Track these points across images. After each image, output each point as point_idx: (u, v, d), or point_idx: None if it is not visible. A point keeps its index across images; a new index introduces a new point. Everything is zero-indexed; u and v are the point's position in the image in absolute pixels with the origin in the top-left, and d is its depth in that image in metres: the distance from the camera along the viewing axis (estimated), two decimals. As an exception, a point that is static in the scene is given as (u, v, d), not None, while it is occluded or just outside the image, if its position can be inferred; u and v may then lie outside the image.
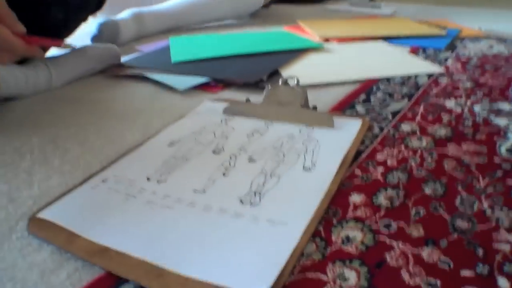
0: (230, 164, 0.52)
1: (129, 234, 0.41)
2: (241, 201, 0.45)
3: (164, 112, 0.70)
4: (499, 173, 0.52)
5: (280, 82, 0.68)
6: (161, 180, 0.49)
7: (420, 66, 0.90)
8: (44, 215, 0.44)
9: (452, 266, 0.38)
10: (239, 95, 0.76)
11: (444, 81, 0.84)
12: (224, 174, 0.50)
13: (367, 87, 0.80)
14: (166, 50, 0.99)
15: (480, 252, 0.40)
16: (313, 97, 0.70)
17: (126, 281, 0.37)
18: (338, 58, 0.97)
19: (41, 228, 0.43)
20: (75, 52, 0.83)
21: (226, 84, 0.81)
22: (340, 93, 0.77)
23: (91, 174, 0.52)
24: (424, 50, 1.06)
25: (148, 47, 1.07)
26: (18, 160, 0.57)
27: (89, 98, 0.77)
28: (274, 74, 0.84)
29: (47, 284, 0.38)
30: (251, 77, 0.80)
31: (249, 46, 0.99)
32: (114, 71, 0.88)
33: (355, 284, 0.36)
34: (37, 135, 0.63)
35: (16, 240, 0.43)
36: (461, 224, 0.43)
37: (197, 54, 0.93)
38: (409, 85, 0.82)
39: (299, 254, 0.39)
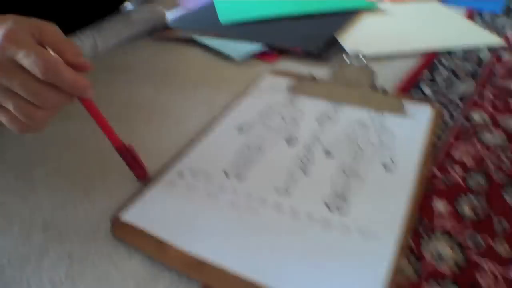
0: (307, 159, 0.52)
1: (222, 244, 0.42)
2: (328, 207, 0.46)
3: (224, 84, 0.70)
4: None
5: (347, 61, 0.66)
6: (239, 175, 0.50)
7: (480, 37, 0.88)
8: (127, 217, 0.45)
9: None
10: (298, 66, 0.75)
11: (506, 56, 0.81)
12: (303, 171, 0.51)
13: (429, 61, 0.78)
14: (211, 7, 0.95)
15: None
16: (375, 70, 0.68)
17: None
18: (393, 23, 0.93)
19: (127, 233, 0.44)
20: (119, 16, 0.80)
21: (282, 51, 0.78)
22: (401, 68, 0.75)
23: (164, 165, 0.51)
24: (480, 14, 1.02)
25: (190, 1, 1.02)
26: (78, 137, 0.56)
27: (139, 66, 0.76)
28: (332, 41, 0.82)
29: None
30: (309, 44, 0.77)
31: (300, 5, 0.95)
32: (161, 34, 0.85)
33: (454, 310, 0.38)
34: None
35: (102, 244, 0.44)
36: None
37: (246, 14, 0.89)
38: (472, 60, 0.79)
39: (396, 272, 0.40)
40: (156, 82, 0.71)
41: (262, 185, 0.48)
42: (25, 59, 0.36)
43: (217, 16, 0.90)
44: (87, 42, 0.78)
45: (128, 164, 0.49)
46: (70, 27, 0.72)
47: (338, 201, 0.46)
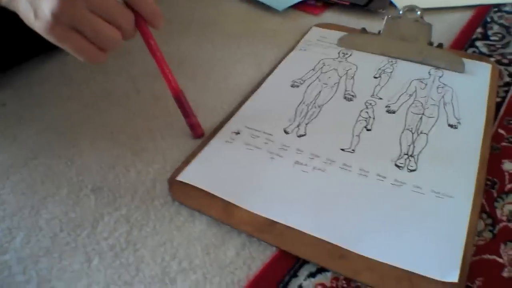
0: (369, 115, 0.52)
1: (291, 205, 0.42)
2: (397, 166, 0.45)
3: (269, 37, 0.68)
4: None
5: (401, 13, 0.64)
6: (300, 132, 0.49)
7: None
8: (185, 177, 0.44)
9: None
10: (345, 19, 0.73)
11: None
12: (367, 128, 0.50)
13: (481, 16, 0.76)
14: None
15: None
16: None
17: (305, 262, 0.39)
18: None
19: (187, 195, 0.44)
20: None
21: (327, 3, 0.76)
22: (453, 23, 0.74)
23: (217, 125, 0.51)
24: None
25: None
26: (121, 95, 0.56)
27: (175, 17, 0.74)
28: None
29: (217, 262, 0.39)
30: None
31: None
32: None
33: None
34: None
35: (161, 208, 0.44)
36: None
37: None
38: (525, 16, 0.77)
39: (473, 233, 0.40)
40: (196, 35, 0.69)
41: (326, 144, 0.48)
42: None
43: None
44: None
45: (183, 113, 0.48)
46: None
47: (407, 160, 0.46)
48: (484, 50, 0.68)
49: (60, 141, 0.51)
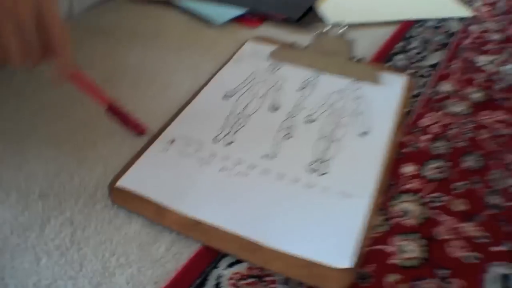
0: (291, 124, 0.60)
1: (216, 205, 0.50)
2: (310, 170, 0.54)
3: (207, 50, 0.75)
4: (529, 149, 0.61)
5: (327, 30, 0.73)
6: (228, 142, 0.57)
7: (451, 7, 0.96)
8: (123, 183, 0.51)
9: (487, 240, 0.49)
10: (279, 32, 0.81)
11: (474, 29, 0.90)
12: (287, 137, 0.58)
13: (403, 31, 0.86)
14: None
15: (507, 228, 0.51)
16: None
17: (224, 255, 0.46)
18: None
19: (124, 199, 0.50)
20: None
21: (263, 17, 0.84)
22: (377, 37, 0.83)
23: (155, 133, 0.58)
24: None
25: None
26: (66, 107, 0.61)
27: (118, 29, 0.81)
28: (313, 8, 0.88)
29: (150, 256, 0.46)
30: (290, 11, 0.83)
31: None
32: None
33: (415, 256, 0.47)
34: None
35: (102, 211, 0.51)
36: (494, 199, 0.54)
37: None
38: (441, 31, 0.88)
39: (370, 227, 0.49)
40: (137, 46, 0.76)
41: (250, 151, 0.56)
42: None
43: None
44: (63, 1, 0.81)
45: (122, 121, 0.56)
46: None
47: (318, 165, 0.54)
48: (402, 63, 0.77)
49: (8, 150, 0.57)
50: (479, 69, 0.77)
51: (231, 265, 0.46)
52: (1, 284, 0.44)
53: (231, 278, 0.45)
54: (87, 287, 0.44)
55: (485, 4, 1.01)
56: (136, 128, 0.57)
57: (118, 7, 0.87)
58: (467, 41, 0.85)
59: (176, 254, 0.47)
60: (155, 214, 0.49)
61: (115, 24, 0.81)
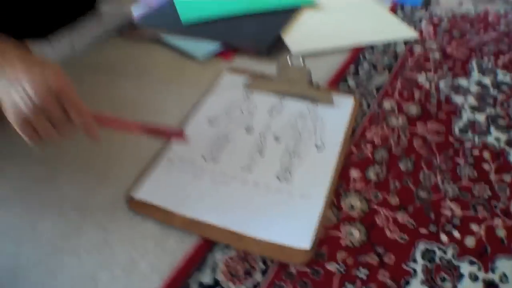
0: (261, 143, 0.79)
1: (208, 207, 0.68)
2: (278, 178, 0.73)
3: (191, 82, 0.94)
4: (450, 152, 0.82)
5: (289, 61, 0.92)
6: (215, 159, 0.76)
7: (398, 31, 1.16)
8: (138, 195, 0.69)
9: (415, 225, 0.69)
10: (251, 63, 1.00)
11: (418, 49, 1.11)
12: (259, 153, 0.78)
13: (355, 56, 1.06)
14: (172, 5, 1.18)
15: (432, 215, 0.71)
16: (311, 66, 0.95)
17: (218, 243, 0.65)
18: (328, 19, 1.20)
19: (140, 207, 0.68)
20: (91, 16, 1.01)
21: (237, 49, 1.04)
22: (333, 63, 1.02)
23: (155, 155, 0.76)
24: (402, 7, 1.31)
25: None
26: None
27: (115, 65, 0.98)
28: (279, 39, 1.08)
29: (164, 248, 0.65)
30: (259, 44, 1.03)
31: (248, 3, 1.19)
32: (129, 33, 1.07)
33: (358, 239, 0.67)
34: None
35: (123, 217, 0.69)
36: (422, 194, 0.74)
37: (204, 13, 1.13)
38: (389, 54, 1.08)
39: (324, 218, 0.68)
40: (133, 80, 0.93)
41: (231, 166, 0.74)
42: (70, 102, 0.60)
43: (178, 14, 1.14)
44: (65, 42, 1.00)
45: (162, 136, 0.73)
46: (46, 29, 0.93)
47: (285, 174, 0.74)
48: (353, 84, 0.98)
49: (40, 172, 0.74)
50: (418, 86, 0.97)
51: (223, 250, 0.65)
52: (52, 277, 0.61)
53: (224, 260, 0.64)
54: (120, 274, 0.62)
55: (430, 24, 1.22)
56: (177, 136, 0.74)
57: (114, 44, 1.05)
58: (410, 61, 1.06)
59: (183, 245, 0.65)
60: (164, 217, 0.67)
61: (112, 60, 1.00)
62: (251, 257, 0.64)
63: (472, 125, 0.87)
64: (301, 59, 0.92)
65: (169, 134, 0.74)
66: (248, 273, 0.62)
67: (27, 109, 0.58)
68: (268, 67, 0.97)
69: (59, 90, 0.59)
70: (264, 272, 0.62)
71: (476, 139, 0.84)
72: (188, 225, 0.66)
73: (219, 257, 0.64)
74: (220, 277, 0.61)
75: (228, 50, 1.03)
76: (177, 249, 0.65)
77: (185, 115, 0.85)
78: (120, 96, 0.89)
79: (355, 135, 0.83)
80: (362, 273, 0.62)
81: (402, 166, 0.78)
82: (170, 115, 0.85)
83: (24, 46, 0.62)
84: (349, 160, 0.78)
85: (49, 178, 0.74)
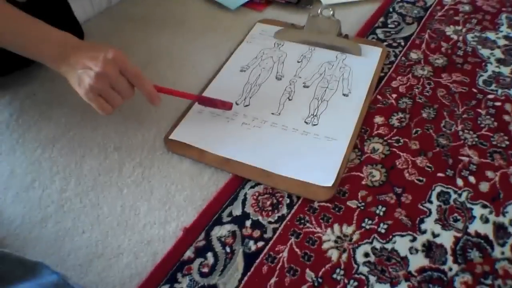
0: (291, 89, 0.84)
1: (240, 148, 0.73)
2: (306, 122, 0.78)
3: (225, 32, 0.98)
4: (473, 102, 0.85)
5: (319, 12, 0.95)
6: (246, 103, 0.81)
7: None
8: (173, 136, 0.75)
9: (433, 169, 0.74)
10: (283, 13, 1.04)
11: (448, 1, 1.12)
12: (289, 99, 0.82)
13: (385, 7, 1.08)
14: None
15: (450, 161, 0.75)
16: (341, 17, 0.97)
17: (248, 180, 0.71)
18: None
19: (176, 147, 0.74)
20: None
21: (269, 1, 1.07)
22: (362, 14, 1.04)
23: (192, 102, 0.81)
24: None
25: None
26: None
27: (150, 16, 1.03)
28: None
29: (198, 184, 0.71)
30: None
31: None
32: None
33: (379, 179, 0.72)
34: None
35: (161, 156, 0.75)
36: (442, 141, 0.78)
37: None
38: (419, 5, 1.09)
39: (347, 160, 0.73)
40: (169, 32, 0.98)
41: (262, 110, 0.80)
42: (128, 72, 0.67)
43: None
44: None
45: (212, 105, 0.78)
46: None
47: (312, 119, 0.79)
48: (381, 36, 1.00)
49: (84, 118, 0.81)
50: (446, 38, 0.99)
51: (253, 186, 0.71)
52: (97, 208, 0.68)
53: (253, 195, 0.70)
54: (157, 205, 0.69)
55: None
56: (225, 106, 0.77)
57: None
58: (440, 13, 1.07)
59: (216, 181, 0.71)
60: (199, 156, 0.73)
61: (147, 12, 1.04)
62: (279, 193, 0.69)
63: (496, 77, 0.89)
64: (331, 9, 0.95)
65: (220, 104, 0.78)
66: (275, 207, 0.68)
67: (97, 83, 0.65)
68: (298, 18, 1.00)
69: (121, 65, 0.66)
70: (289, 206, 0.68)
71: (499, 91, 0.86)
72: (221, 163, 0.72)
73: (249, 192, 0.70)
74: (250, 210, 0.68)
75: (259, 1, 1.06)
76: (210, 184, 0.71)
77: (219, 64, 0.90)
78: (156, 47, 0.94)
79: (381, 84, 0.86)
80: (380, 210, 0.67)
81: (424, 114, 0.81)
82: (205, 65, 0.90)
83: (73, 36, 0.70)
84: (374, 107, 0.82)
85: (92, 122, 0.80)
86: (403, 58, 0.93)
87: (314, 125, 0.76)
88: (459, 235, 0.65)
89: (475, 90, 0.86)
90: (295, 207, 0.68)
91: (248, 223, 0.66)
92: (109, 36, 0.96)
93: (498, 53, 0.94)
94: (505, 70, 0.90)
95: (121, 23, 0.99)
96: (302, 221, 0.66)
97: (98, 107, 0.68)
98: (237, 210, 0.67)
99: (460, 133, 0.78)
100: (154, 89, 0.70)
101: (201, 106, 0.79)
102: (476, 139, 0.77)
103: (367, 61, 0.89)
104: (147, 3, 1.06)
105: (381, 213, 0.67)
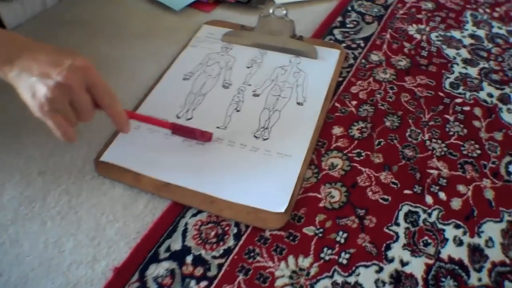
0: (240, 98, 0.74)
1: (180, 170, 0.63)
2: (255, 137, 0.68)
3: (168, 36, 0.87)
4: (440, 107, 0.77)
5: (271, 11, 0.86)
6: (188, 117, 0.71)
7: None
8: (105, 158, 0.64)
9: (399, 185, 0.65)
10: (232, 15, 0.94)
11: (409, -1, 1.03)
12: (237, 110, 0.72)
13: (343, 6, 0.99)
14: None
15: (418, 175, 0.66)
16: (295, 17, 0.87)
17: (189, 207, 0.61)
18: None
19: (108, 170, 0.64)
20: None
21: (217, 1, 0.97)
22: (318, 14, 0.96)
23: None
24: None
25: None
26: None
27: (89, 19, 0.92)
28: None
29: (132, 213, 0.61)
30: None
31: None
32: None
33: (339, 200, 0.62)
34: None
35: (91, 181, 0.64)
36: (408, 152, 0.69)
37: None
38: (380, 2, 1.01)
39: (302, 179, 0.64)
40: (107, 35, 0.87)
41: (206, 124, 0.69)
42: (99, 89, 0.54)
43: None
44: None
45: (188, 136, 0.67)
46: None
47: (263, 132, 0.69)
48: (339, 37, 0.91)
49: (7, 139, 0.69)
50: (408, 38, 0.91)
51: (195, 215, 0.61)
52: (17, 245, 0.57)
53: (195, 225, 0.60)
54: (85, 240, 0.58)
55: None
56: (203, 137, 0.67)
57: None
58: (401, 11, 0.99)
59: (152, 210, 0.61)
60: (133, 180, 0.63)
61: (85, 15, 0.93)
62: (224, 221, 0.60)
63: (464, 79, 0.81)
64: (284, 9, 0.85)
65: (197, 135, 0.67)
66: (221, 239, 0.58)
67: (57, 95, 0.51)
68: (249, 19, 0.90)
69: (90, 78, 0.53)
70: (237, 237, 0.58)
71: (468, 94, 0.78)
72: (158, 188, 0.62)
73: (190, 221, 0.60)
74: (191, 243, 0.58)
75: (207, 1, 0.95)
76: (146, 213, 0.61)
77: (160, 71, 0.79)
78: (93, 52, 0.83)
79: (339, 90, 0.77)
80: (341, 237, 0.58)
81: (388, 122, 0.73)
82: (146, 72, 0.80)
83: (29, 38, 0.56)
84: (332, 117, 0.73)
85: (14, 142, 0.69)
86: (363, 61, 0.84)
87: (265, 139, 0.66)
88: (430, 261, 0.57)
89: (441, 94, 0.78)
90: (244, 238, 0.58)
91: (189, 259, 0.56)
92: (42, 42, 0.84)
93: (464, 53, 0.87)
94: (472, 71, 0.83)
95: (55, 27, 0.88)
96: (252, 254, 0.56)
97: (57, 127, 0.54)
98: (176, 244, 0.58)
99: (428, 142, 0.70)
100: (125, 113, 0.58)
101: (137, 121, 0.68)
102: (445, 149, 0.69)
103: (324, 65, 0.80)
104: (86, 5, 0.95)
105: (342, 240, 0.58)
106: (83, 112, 0.54)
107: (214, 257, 0.56)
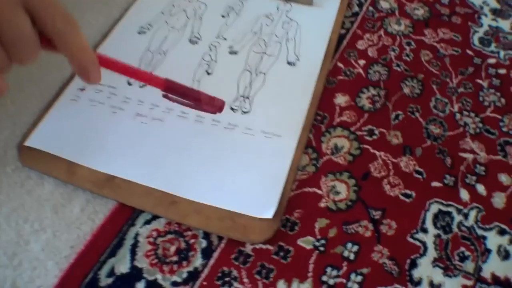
0: (211, 58, 0.56)
1: (129, 158, 0.47)
2: (232, 109, 0.51)
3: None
4: (470, 70, 0.60)
5: None
6: (142, 83, 0.52)
7: None
8: (32, 142, 0.47)
9: (425, 176, 0.48)
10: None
11: None
12: (208, 72, 0.54)
13: None
14: None
15: (448, 161, 0.50)
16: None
17: (141, 211, 0.44)
18: None
19: (35, 159, 0.47)
20: None
21: None
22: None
23: (64, 82, 0.53)
24: None
25: None
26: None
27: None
28: None
29: (64, 220, 0.44)
30: None
31: None
32: None
33: (346, 197, 0.46)
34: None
35: (13, 174, 0.47)
36: (434, 129, 0.52)
37: None
38: None
39: (296, 168, 0.47)
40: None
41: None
42: (45, 6, 0.34)
43: None
44: None
45: (188, 100, 0.45)
46: None
47: (242, 102, 0.51)
48: (340, -23, 0.72)
49: None
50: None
51: (148, 222, 0.44)
52: None
53: (148, 236, 0.43)
54: (2, 258, 0.42)
55: None
56: (211, 106, 0.46)
57: None
58: None
59: (91, 215, 0.45)
60: (67, 173, 0.46)
61: None
62: (189, 231, 0.44)
63: (495, 34, 0.64)
64: None
65: (203, 102, 0.46)
66: (184, 257, 0.41)
67: None
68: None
69: None
70: (206, 254, 0.42)
71: (502, 53, 0.61)
72: (100, 184, 0.45)
73: (142, 231, 0.44)
74: (143, 263, 0.42)
75: None
76: (83, 220, 0.45)
77: (110, 22, 0.61)
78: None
79: (342, 46, 0.59)
80: (350, 251, 0.43)
81: (406, 89, 0.56)
82: (94, 25, 0.61)
83: None
84: (333, 81, 0.56)
85: None
86: (370, 8, 0.66)
87: (245, 112, 0.49)
88: (469, 283, 0.42)
89: (470, 53, 0.61)
90: (216, 255, 0.43)
91: (140, 286, 0.40)
92: None
93: (491, 2, 0.69)
94: (504, 24, 0.66)
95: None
96: (227, 278, 0.41)
97: None
98: (122, 265, 0.42)
99: (458, 115, 0.54)
100: (95, 55, 0.38)
101: (76, 90, 0.52)
102: (480, 125, 0.52)
103: (322, 13, 0.63)
104: None
105: (352, 256, 0.43)
106: (20, 45, 0.34)
107: (175, 284, 0.40)
